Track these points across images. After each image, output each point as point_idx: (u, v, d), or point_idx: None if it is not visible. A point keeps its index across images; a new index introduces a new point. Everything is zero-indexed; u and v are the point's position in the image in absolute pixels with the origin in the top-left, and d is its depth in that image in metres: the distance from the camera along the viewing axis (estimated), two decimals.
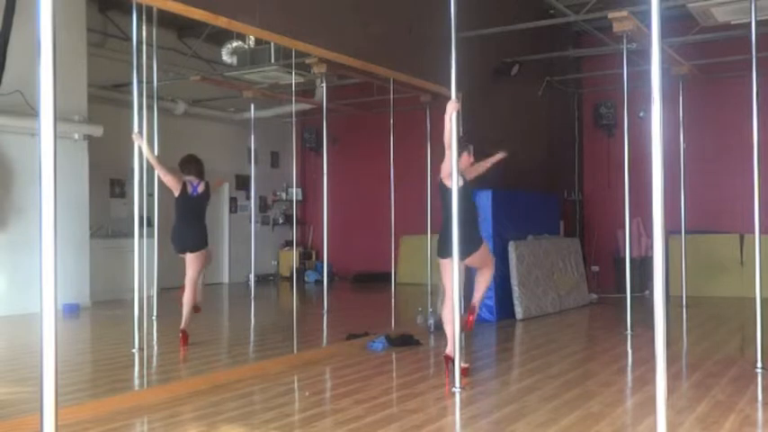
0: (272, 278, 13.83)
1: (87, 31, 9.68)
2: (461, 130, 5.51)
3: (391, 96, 7.82)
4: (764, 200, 5.78)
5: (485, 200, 8.84)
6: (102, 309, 9.25)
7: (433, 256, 8.40)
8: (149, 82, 5.83)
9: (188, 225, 6.58)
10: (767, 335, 5.59)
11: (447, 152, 5.12)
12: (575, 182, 13.32)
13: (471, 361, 5.61)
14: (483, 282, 5.58)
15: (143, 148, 5.82)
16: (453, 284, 5.01)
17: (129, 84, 5.50)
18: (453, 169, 5.05)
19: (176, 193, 6.53)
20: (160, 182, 6.25)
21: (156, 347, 6.51)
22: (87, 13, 9.71)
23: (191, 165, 6.65)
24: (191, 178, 6.59)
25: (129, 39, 5.41)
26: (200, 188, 6.65)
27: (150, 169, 5.87)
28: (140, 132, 5.61)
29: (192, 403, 4.60)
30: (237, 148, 12.52)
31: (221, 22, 5.53)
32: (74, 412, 4.21)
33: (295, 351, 6.17)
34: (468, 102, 7.98)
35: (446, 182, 5.21)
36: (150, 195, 6.01)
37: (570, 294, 9.90)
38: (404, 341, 6.69)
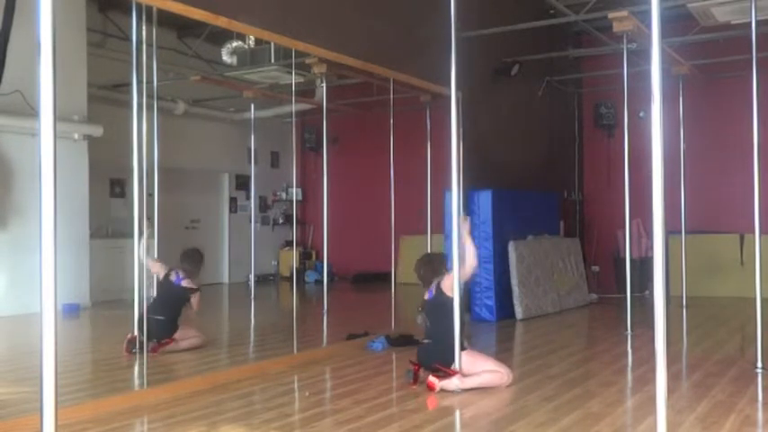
0: (272, 278, 13.83)
1: (87, 31, 9.68)
2: (461, 131, 5.51)
3: (391, 96, 7.81)
4: (764, 200, 5.78)
5: (485, 200, 8.84)
6: (102, 309, 9.25)
7: None
8: (149, 82, 5.80)
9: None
10: (767, 335, 5.59)
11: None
12: (575, 182, 13.32)
13: None
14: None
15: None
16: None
17: (129, 84, 5.49)
18: (454, 180, 5.03)
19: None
20: (160, 182, 6.22)
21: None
22: (87, 13, 9.71)
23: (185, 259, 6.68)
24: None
25: (129, 39, 5.40)
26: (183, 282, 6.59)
27: (150, 169, 5.85)
28: (140, 132, 5.59)
29: (192, 403, 4.60)
30: (237, 148, 12.52)
31: (221, 22, 5.52)
32: (74, 412, 4.21)
33: (295, 351, 6.17)
34: (469, 102, 7.99)
35: (448, 293, 5.12)
36: (150, 195, 5.99)
37: (570, 294, 9.90)
38: (404, 341, 6.69)
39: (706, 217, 11.57)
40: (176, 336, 6.34)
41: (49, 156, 2.61)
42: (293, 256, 12.53)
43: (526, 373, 5.44)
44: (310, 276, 13.63)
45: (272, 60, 9.01)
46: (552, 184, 11.80)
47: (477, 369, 5.01)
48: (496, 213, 8.85)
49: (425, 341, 5.23)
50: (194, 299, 6.61)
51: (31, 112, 7.69)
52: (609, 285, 11.65)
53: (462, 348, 5.01)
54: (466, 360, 4.99)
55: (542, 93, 12.05)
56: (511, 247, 8.90)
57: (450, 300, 5.05)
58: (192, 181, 12.68)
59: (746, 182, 6.02)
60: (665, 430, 2.96)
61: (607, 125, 13.09)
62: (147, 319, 5.91)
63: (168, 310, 6.42)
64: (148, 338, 5.81)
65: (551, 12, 10.78)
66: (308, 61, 6.95)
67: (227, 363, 6.38)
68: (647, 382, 5.04)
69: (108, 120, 9.45)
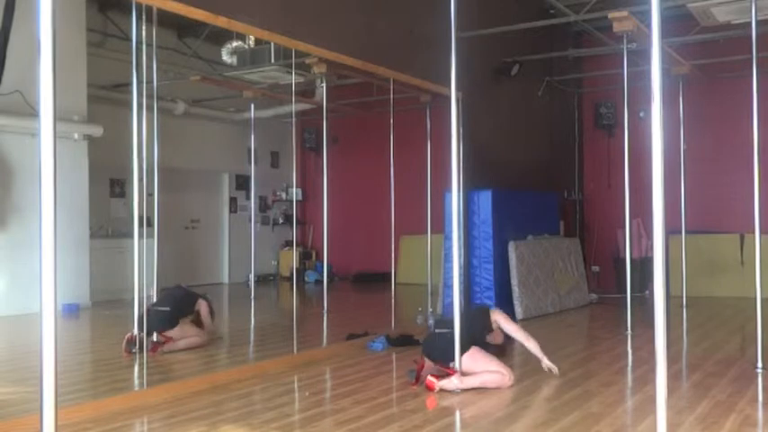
0: (272, 278, 13.82)
1: (87, 31, 9.67)
2: (461, 131, 5.50)
3: (391, 96, 7.81)
4: (764, 200, 5.78)
5: (485, 200, 8.84)
6: (101, 309, 9.25)
7: (433, 255, 8.43)
8: (149, 82, 5.80)
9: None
10: (767, 335, 5.60)
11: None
12: (575, 182, 13.32)
13: None
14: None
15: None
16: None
17: (129, 84, 5.49)
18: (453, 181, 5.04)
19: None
20: (160, 182, 6.23)
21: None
22: (87, 13, 9.70)
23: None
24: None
25: (129, 39, 5.40)
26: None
27: (150, 169, 5.86)
28: (140, 132, 5.58)
29: (192, 403, 4.60)
30: (237, 148, 12.52)
31: (221, 22, 5.53)
32: (74, 412, 4.21)
33: (295, 351, 6.17)
34: (469, 102, 7.99)
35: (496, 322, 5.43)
36: (150, 195, 6.00)
37: (570, 294, 9.90)
38: (404, 341, 6.69)
39: (706, 217, 11.57)
40: (175, 334, 6.35)
41: (49, 156, 2.61)
42: (293, 256, 12.53)
43: (526, 374, 5.44)
44: (310, 276, 13.63)
45: (272, 60, 9.00)
46: (552, 184, 11.80)
47: (477, 369, 5.01)
48: (496, 213, 8.85)
49: (439, 330, 5.22)
50: (204, 307, 6.71)
51: (31, 112, 7.70)
52: (609, 285, 11.64)
53: (467, 348, 5.03)
54: (467, 359, 4.99)
55: (542, 93, 12.05)
56: (511, 247, 8.90)
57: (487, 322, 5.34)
58: (192, 181, 12.68)
59: (746, 182, 6.02)
60: (665, 430, 2.96)
61: (607, 125, 13.08)
62: (151, 309, 5.94)
63: (174, 304, 6.49)
64: (148, 330, 5.87)
65: (551, 12, 10.79)
66: (308, 61, 6.95)
67: (227, 363, 6.38)
68: (647, 382, 5.05)
69: (108, 120, 9.45)
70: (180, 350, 6.32)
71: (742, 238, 10.99)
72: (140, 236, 5.53)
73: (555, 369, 5.35)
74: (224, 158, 13.00)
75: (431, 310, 8.12)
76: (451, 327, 5.01)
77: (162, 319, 6.29)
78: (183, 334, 6.42)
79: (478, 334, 5.26)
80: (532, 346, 5.41)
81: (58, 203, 2.62)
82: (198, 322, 6.66)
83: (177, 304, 6.55)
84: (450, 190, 5.30)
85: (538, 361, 5.54)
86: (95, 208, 10.07)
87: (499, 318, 5.41)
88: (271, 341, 7.43)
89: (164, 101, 10.56)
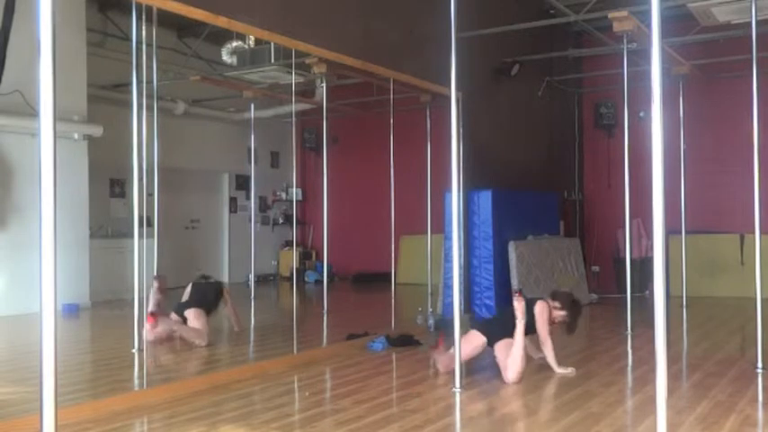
0: (271, 278, 13.82)
1: (87, 31, 9.68)
2: (461, 131, 5.50)
3: (391, 96, 7.81)
4: (764, 200, 5.78)
5: (485, 200, 8.84)
6: (102, 309, 9.25)
7: (433, 255, 8.43)
8: (149, 82, 5.81)
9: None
10: (767, 335, 5.59)
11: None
12: (575, 182, 13.31)
13: (472, 362, 5.60)
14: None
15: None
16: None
17: (129, 84, 5.49)
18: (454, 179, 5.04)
19: None
20: (160, 182, 6.24)
21: (156, 347, 6.50)
22: (87, 12, 9.71)
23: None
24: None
25: (129, 39, 5.40)
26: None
27: (150, 169, 5.85)
28: (140, 132, 5.58)
29: (192, 403, 4.60)
30: (237, 148, 12.52)
31: (221, 22, 5.53)
32: (74, 412, 4.21)
33: (295, 351, 6.17)
34: (469, 102, 7.99)
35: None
36: (150, 195, 6.00)
37: None
38: (404, 341, 6.69)
39: (706, 217, 11.56)
40: (189, 315, 6.66)
41: (48, 156, 2.61)
42: (293, 256, 12.53)
43: (526, 374, 5.43)
44: (310, 276, 13.62)
45: (272, 60, 9.00)
46: (552, 184, 11.80)
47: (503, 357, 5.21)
48: (496, 213, 8.85)
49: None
50: (227, 294, 7.10)
51: (31, 112, 7.69)
52: (609, 285, 11.64)
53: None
54: (502, 345, 5.24)
55: (542, 93, 12.04)
56: (511, 247, 8.90)
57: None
58: (192, 181, 12.68)
59: (746, 182, 6.02)
60: (664, 430, 2.96)
61: (607, 125, 13.07)
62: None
63: (203, 296, 6.92)
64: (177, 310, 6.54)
65: (551, 12, 10.78)
66: (308, 61, 6.95)
67: (227, 363, 6.38)
68: (647, 382, 5.04)
69: (108, 120, 9.45)
70: (178, 336, 6.57)
71: (742, 238, 10.98)
72: (140, 236, 5.52)
73: (569, 371, 5.47)
74: (224, 158, 13.00)
75: (431, 310, 8.11)
76: (506, 320, 5.45)
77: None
78: (194, 321, 6.64)
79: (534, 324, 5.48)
80: (548, 352, 5.50)
81: (57, 203, 2.62)
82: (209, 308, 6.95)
83: (206, 297, 6.97)
84: (450, 190, 5.31)
85: (538, 361, 5.54)
86: (95, 208, 10.07)
87: (538, 309, 5.47)
88: (271, 341, 7.43)
89: (164, 101, 10.56)
